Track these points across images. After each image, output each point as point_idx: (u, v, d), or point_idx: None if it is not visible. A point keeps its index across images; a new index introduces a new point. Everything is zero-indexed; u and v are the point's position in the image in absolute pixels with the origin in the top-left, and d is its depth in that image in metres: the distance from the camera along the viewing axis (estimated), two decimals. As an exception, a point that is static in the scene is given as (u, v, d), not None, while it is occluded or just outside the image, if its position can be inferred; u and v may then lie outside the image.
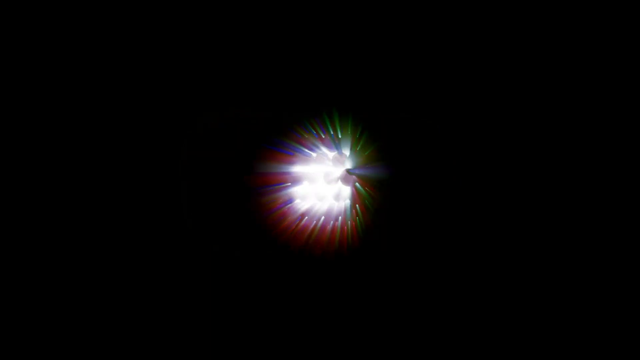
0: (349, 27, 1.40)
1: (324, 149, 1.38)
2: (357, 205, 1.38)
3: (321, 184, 1.39)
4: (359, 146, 1.36)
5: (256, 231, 1.38)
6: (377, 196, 1.37)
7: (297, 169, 1.38)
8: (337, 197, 1.39)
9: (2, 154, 1.38)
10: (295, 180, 1.38)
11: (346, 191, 1.39)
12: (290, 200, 1.39)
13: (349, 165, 1.37)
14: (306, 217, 1.39)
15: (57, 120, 1.39)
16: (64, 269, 1.39)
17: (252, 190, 1.36)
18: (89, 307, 1.39)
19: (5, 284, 1.38)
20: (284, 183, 1.37)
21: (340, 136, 1.36)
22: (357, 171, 1.37)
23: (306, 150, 1.37)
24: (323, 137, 1.37)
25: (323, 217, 1.40)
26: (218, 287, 1.41)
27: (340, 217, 1.40)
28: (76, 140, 1.39)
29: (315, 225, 1.40)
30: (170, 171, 1.39)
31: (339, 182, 1.38)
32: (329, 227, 1.40)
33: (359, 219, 1.38)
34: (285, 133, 1.36)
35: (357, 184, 1.37)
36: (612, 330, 1.37)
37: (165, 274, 1.40)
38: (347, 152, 1.37)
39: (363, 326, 1.40)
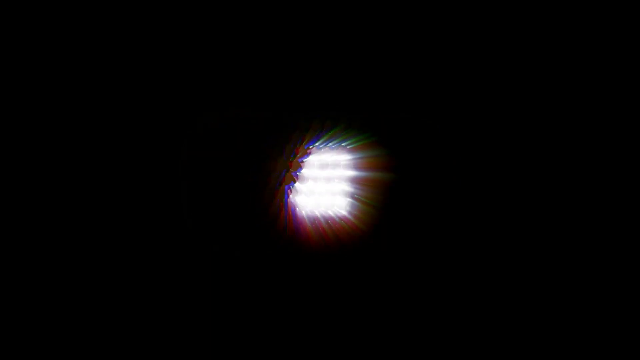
0: (349, 27, 1.40)
1: (326, 148, 1.38)
2: (357, 204, 1.38)
3: (322, 183, 1.39)
4: (360, 146, 1.37)
5: (256, 231, 1.38)
6: (378, 195, 1.37)
7: (299, 168, 1.38)
8: (337, 197, 1.40)
9: (2, 154, 1.38)
10: (297, 180, 1.38)
11: (346, 190, 1.39)
12: (291, 199, 1.39)
13: (349, 164, 1.38)
14: (307, 216, 1.40)
15: (57, 121, 1.39)
16: (64, 269, 1.39)
17: (254, 191, 1.36)
18: (89, 306, 1.39)
19: (5, 284, 1.38)
20: (286, 182, 1.37)
21: (341, 136, 1.37)
22: (357, 171, 1.37)
23: (308, 149, 1.37)
24: (325, 136, 1.37)
25: (323, 217, 1.40)
26: (218, 287, 1.41)
27: (340, 217, 1.40)
28: (77, 141, 1.39)
29: (316, 224, 1.40)
30: (170, 171, 1.39)
31: (339, 182, 1.38)
32: (329, 226, 1.40)
33: (359, 218, 1.38)
34: (294, 134, 1.36)
35: (357, 183, 1.37)
36: (612, 330, 1.37)
37: (165, 274, 1.40)
38: (347, 151, 1.37)
39: (363, 325, 1.40)
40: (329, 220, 1.41)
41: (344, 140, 1.38)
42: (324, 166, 1.39)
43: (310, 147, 1.38)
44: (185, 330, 1.40)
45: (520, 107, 1.40)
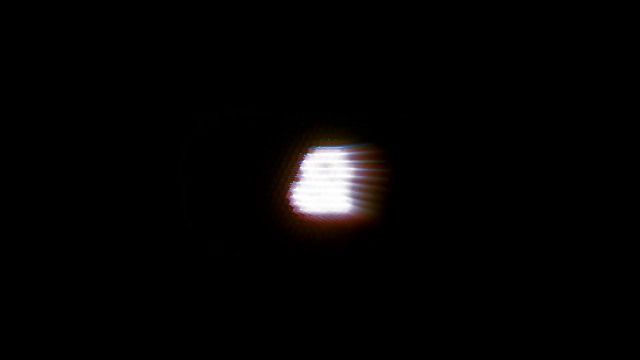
0: (349, 27, 1.40)
1: (326, 148, 1.38)
2: (358, 204, 1.38)
3: (322, 182, 1.39)
4: (360, 146, 1.37)
5: (257, 231, 1.38)
6: (378, 195, 1.37)
7: (301, 167, 1.38)
8: (338, 196, 1.40)
9: (2, 154, 1.38)
10: (297, 179, 1.38)
11: (347, 190, 1.39)
12: (292, 199, 1.39)
13: (349, 164, 1.38)
14: (307, 216, 1.40)
15: (56, 121, 1.39)
16: (64, 269, 1.39)
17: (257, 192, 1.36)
18: (88, 307, 1.39)
19: (5, 284, 1.38)
20: (286, 182, 1.37)
21: (341, 136, 1.37)
22: (357, 171, 1.37)
23: (309, 149, 1.37)
24: (325, 136, 1.37)
25: (324, 216, 1.40)
26: (218, 288, 1.41)
27: (341, 217, 1.40)
28: (76, 141, 1.39)
29: (316, 224, 1.40)
30: (170, 171, 1.39)
31: (340, 181, 1.38)
32: (330, 226, 1.40)
33: (360, 218, 1.38)
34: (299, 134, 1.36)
35: (358, 183, 1.37)
36: (612, 331, 1.37)
37: (165, 274, 1.40)
38: (348, 151, 1.37)
39: (364, 326, 1.40)
40: (329, 220, 1.41)
41: (344, 140, 1.38)
42: (324, 166, 1.39)
43: (311, 147, 1.38)
44: (185, 330, 1.40)
45: (521, 107, 1.40)
